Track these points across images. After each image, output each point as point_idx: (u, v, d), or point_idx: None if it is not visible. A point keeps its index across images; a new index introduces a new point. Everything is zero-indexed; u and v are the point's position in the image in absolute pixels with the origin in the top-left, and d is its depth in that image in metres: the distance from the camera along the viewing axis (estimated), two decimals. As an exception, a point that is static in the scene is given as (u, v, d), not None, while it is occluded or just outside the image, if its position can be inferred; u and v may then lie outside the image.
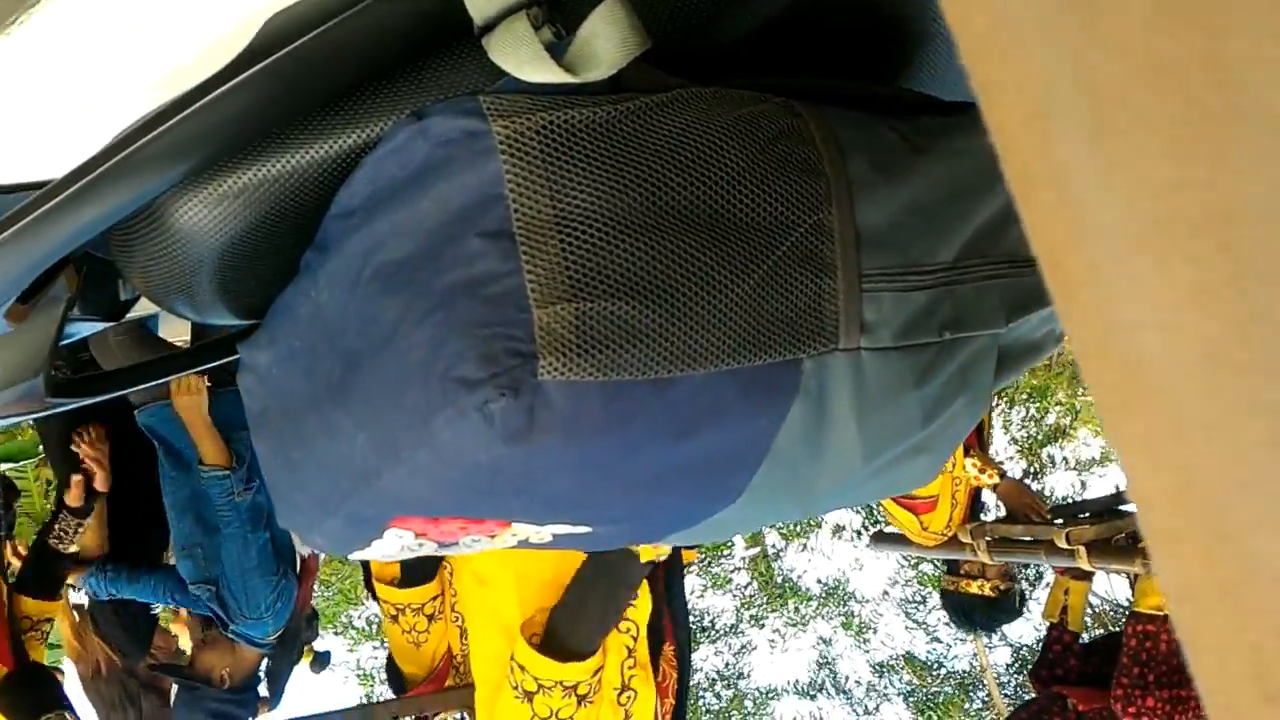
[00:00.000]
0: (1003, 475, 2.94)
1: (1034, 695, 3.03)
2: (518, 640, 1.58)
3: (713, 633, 7.67)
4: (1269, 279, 0.21)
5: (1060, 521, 2.75)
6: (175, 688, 2.68)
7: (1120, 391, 0.24)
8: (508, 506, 0.87)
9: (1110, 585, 6.03)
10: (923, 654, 7.50)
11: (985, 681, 7.16)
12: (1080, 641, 3.00)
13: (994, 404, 6.75)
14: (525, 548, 0.98)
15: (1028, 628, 6.36)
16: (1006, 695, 6.92)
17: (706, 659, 7.64)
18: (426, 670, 2.52)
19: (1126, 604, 3.01)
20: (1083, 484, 6.80)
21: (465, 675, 2.58)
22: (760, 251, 0.82)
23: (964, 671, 7.43)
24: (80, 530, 2.51)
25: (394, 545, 0.91)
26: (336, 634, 7.34)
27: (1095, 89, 0.23)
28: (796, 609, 7.65)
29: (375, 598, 2.59)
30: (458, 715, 2.53)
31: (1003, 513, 3.07)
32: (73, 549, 2.50)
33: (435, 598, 2.38)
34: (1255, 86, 0.21)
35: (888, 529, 3.37)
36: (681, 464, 0.85)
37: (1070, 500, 5.84)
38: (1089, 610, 6.22)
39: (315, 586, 7.06)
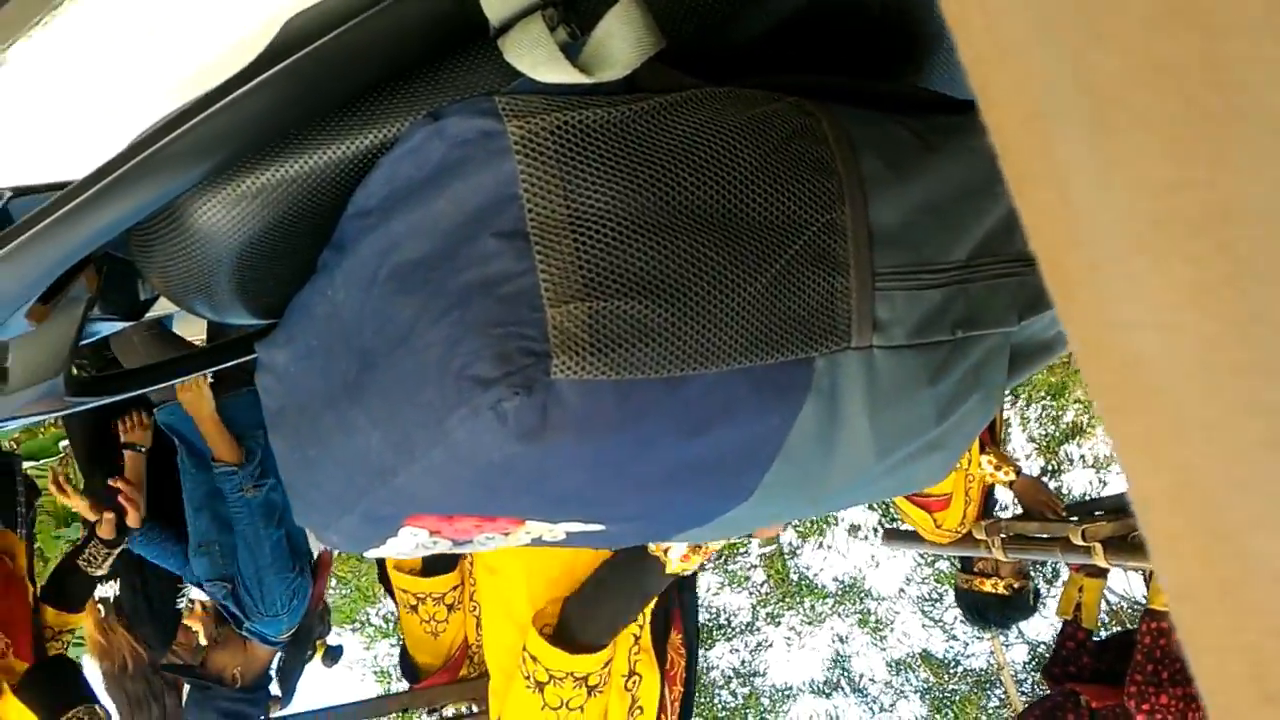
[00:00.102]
0: (1018, 472, 2.92)
1: (1047, 692, 3.02)
2: (530, 631, 1.59)
3: (729, 630, 7.67)
4: (1268, 279, 0.22)
5: (1076, 519, 2.74)
6: (187, 688, 2.69)
7: (1119, 391, 0.25)
8: (521, 504, 0.88)
9: (1129, 582, 5.99)
10: (940, 652, 7.48)
11: (1002, 679, 7.13)
12: (1094, 638, 2.99)
13: (1012, 401, 6.71)
14: (539, 545, 0.98)
15: (1045, 625, 6.33)
16: (1024, 693, 6.89)
17: (722, 656, 7.64)
18: (443, 660, 2.53)
19: (1144, 601, 2.99)
20: (1101, 481, 6.76)
21: (480, 665, 2.59)
22: (773, 250, 0.82)
23: (981, 669, 7.40)
24: (109, 557, 2.54)
25: (409, 543, 0.92)
26: (354, 631, 7.38)
27: (1094, 88, 0.23)
28: (812, 606, 7.64)
29: (390, 590, 2.61)
30: (467, 706, 2.54)
31: (1018, 510, 3.06)
32: (101, 573, 2.53)
33: (455, 587, 2.40)
34: (1255, 86, 0.21)
35: (902, 526, 3.36)
36: (694, 462, 0.85)
37: (1088, 498, 5.81)
38: (1107, 607, 6.19)
39: (333, 584, 7.10)
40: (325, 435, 0.88)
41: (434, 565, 2.21)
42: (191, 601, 2.90)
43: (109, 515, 2.49)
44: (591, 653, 1.58)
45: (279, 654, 2.81)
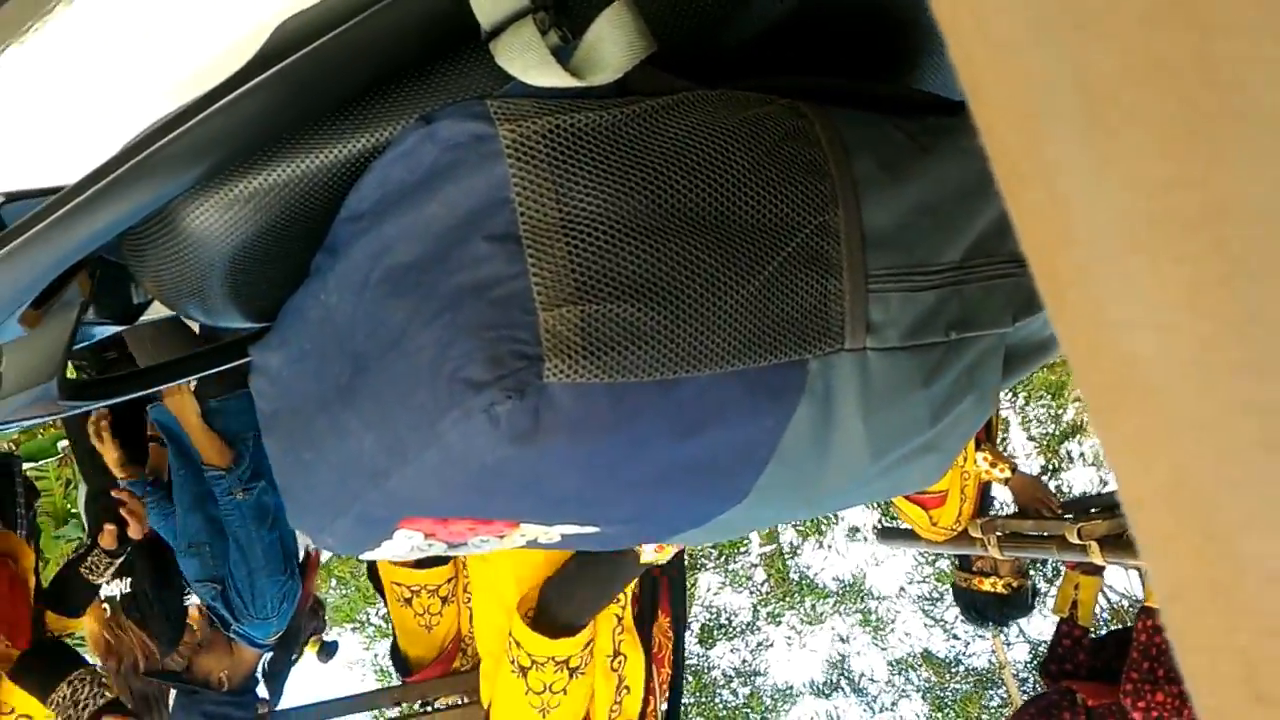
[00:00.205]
0: (1014, 469, 2.92)
1: (1044, 690, 3.02)
2: (514, 616, 1.62)
3: (729, 630, 7.67)
4: (1263, 279, 0.21)
5: (1071, 516, 2.74)
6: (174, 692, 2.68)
7: (1111, 392, 0.24)
8: (515, 507, 0.88)
9: (1129, 580, 6.00)
10: (941, 651, 7.48)
11: (1004, 678, 7.14)
12: (1090, 636, 2.99)
13: (1011, 400, 6.72)
14: (534, 548, 0.98)
15: (1046, 624, 6.33)
16: (1025, 692, 6.89)
17: (723, 656, 7.64)
18: (436, 653, 2.56)
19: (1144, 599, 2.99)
20: (1102, 480, 6.76)
21: (473, 657, 2.62)
22: (766, 253, 0.82)
23: (983, 669, 7.40)
24: (112, 566, 2.54)
25: (404, 545, 0.92)
26: (354, 630, 7.38)
27: (1087, 87, 0.22)
28: (813, 606, 7.64)
29: (379, 587, 2.63)
30: (459, 698, 2.56)
31: (1014, 508, 3.06)
32: (102, 581, 2.52)
33: (449, 580, 2.43)
34: (1251, 85, 0.21)
35: (899, 524, 3.37)
36: (688, 464, 0.85)
37: (1087, 496, 5.81)
38: (1107, 605, 6.19)
39: (333, 583, 7.10)
40: (319, 438, 0.87)
41: (428, 558, 2.23)
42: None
43: (110, 527, 2.49)
44: (571, 635, 1.60)
45: (265, 656, 2.80)
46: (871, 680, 7.58)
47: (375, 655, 7.35)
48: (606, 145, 0.80)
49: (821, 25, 0.98)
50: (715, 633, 7.64)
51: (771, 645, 7.71)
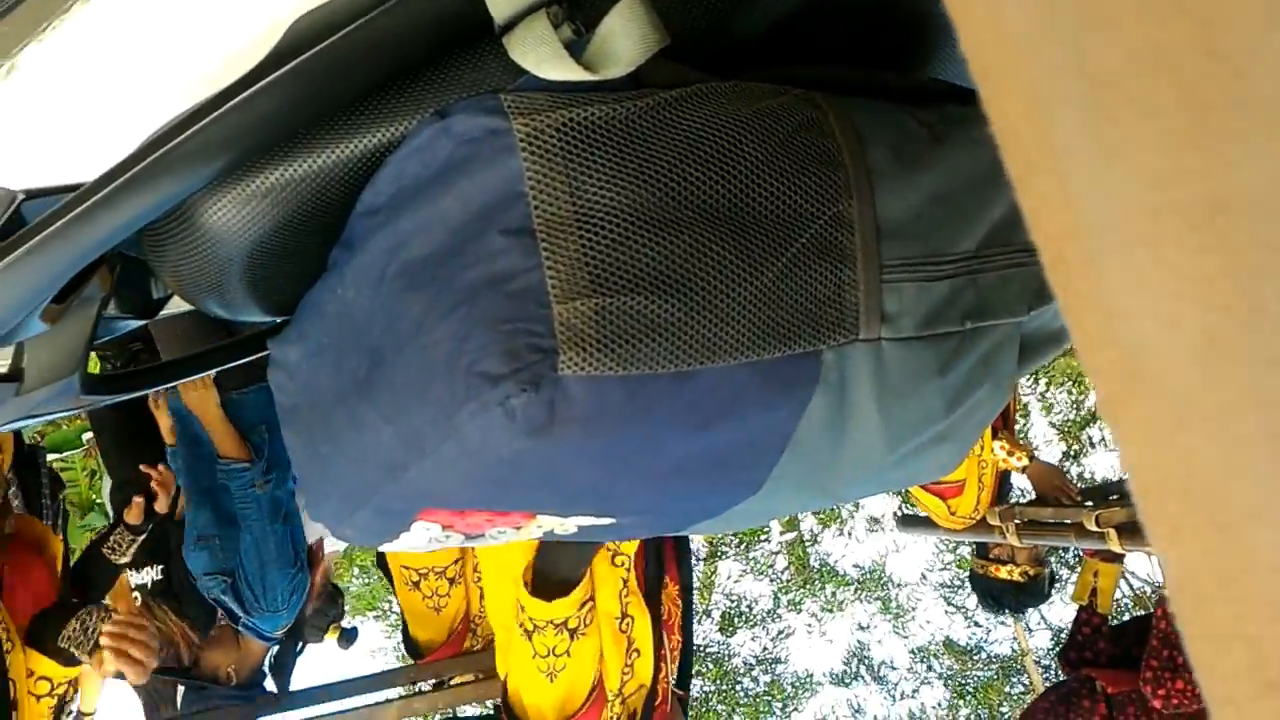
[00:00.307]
0: (1032, 457, 2.91)
1: (1063, 678, 3.01)
2: (518, 581, 1.65)
3: (750, 617, 7.67)
4: (1266, 270, 0.21)
5: (1090, 504, 2.72)
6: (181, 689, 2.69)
7: (1119, 381, 0.25)
8: (532, 499, 0.88)
9: (1152, 566, 5.96)
10: (962, 638, 7.46)
11: (1025, 665, 7.12)
12: (1110, 623, 2.98)
13: (1032, 386, 6.68)
14: (551, 539, 0.99)
15: (1068, 611, 6.30)
16: (1047, 679, 6.86)
17: (744, 644, 7.65)
18: (445, 635, 2.60)
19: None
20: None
21: (483, 637, 2.66)
22: (780, 244, 0.82)
23: (1004, 656, 7.37)
24: (134, 544, 2.54)
25: (422, 537, 0.92)
26: (376, 619, 7.43)
27: (1093, 78, 0.23)
28: (833, 593, 7.63)
29: (387, 572, 2.66)
30: (474, 675, 2.59)
31: (1033, 495, 3.04)
32: (124, 560, 2.53)
33: (456, 561, 2.47)
34: (1253, 77, 0.21)
35: (919, 512, 3.35)
36: (703, 455, 0.86)
37: (1108, 482, 5.77)
38: (1130, 591, 6.15)
39: (355, 572, 7.13)
40: (337, 431, 0.88)
41: None
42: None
43: (139, 500, 2.48)
44: (565, 595, 1.63)
45: (272, 649, 2.80)
46: (892, 667, 7.57)
47: (396, 644, 7.39)
48: (620, 138, 0.80)
49: (833, 16, 0.98)
50: (736, 620, 7.65)
51: (793, 633, 7.71)
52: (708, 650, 7.49)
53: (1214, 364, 0.22)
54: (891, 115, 0.94)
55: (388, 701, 2.65)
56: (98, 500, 4.19)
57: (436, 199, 0.80)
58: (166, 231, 0.86)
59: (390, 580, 2.75)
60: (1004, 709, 7.24)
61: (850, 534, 7.56)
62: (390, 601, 7.45)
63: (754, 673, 7.63)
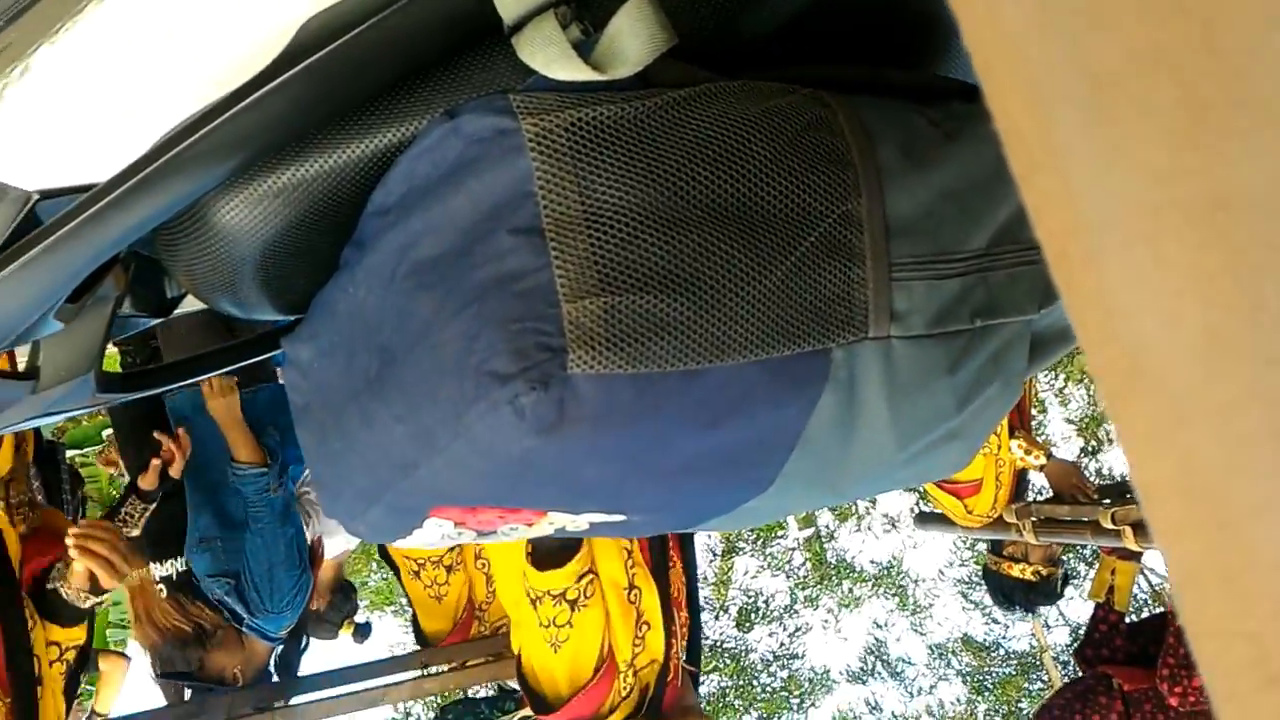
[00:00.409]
0: (1049, 456, 2.89)
1: (1080, 675, 3.00)
2: (522, 554, 1.69)
3: (767, 613, 7.68)
4: (1267, 267, 0.21)
5: (1107, 501, 2.71)
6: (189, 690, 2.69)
7: (1121, 378, 0.24)
8: (542, 496, 0.88)
9: (1169, 564, 5.91)
10: (980, 635, 7.45)
11: (1044, 662, 7.10)
12: (1126, 621, 2.96)
13: (1050, 382, 6.65)
14: (562, 536, 0.99)
15: (1086, 608, 6.28)
16: (1066, 676, 6.85)
17: (760, 640, 7.66)
18: (451, 623, 2.65)
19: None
20: (1141, 463, 6.68)
21: (490, 624, 2.70)
22: (789, 243, 0.82)
23: (1023, 652, 7.36)
24: (145, 513, 2.54)
25: (434, 534, 0.93)
26: (394, 614, 7.47)
27: (1094, 75, 0.23)
28: (850, 590, 7.63)
29: (391, 563, 2.71)
30: (486, 658, 2.63)
31: (1050, 492, 3.03)
32: (135, 533, 2.53)
33: (452, 549, 2.48)
34: (1254, 76, 0.21)
35: (938, 511, 3.35)
36: (712, 453, 0.86)
37: (1124, 479, 5.74)
38: (1149, 589, 6.12)
39: (372, 566, 7.15)
40: (349, 430, 0.89)
41: None
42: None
43: (155, 462, 2.48)
44: (560, 567, 1.67)
45: (276, 649, 2.80)
46: (909, 664, 7.57)
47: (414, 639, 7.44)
48: (628, 138, 0.81)
49: (841, 15, 0.98)
50: (753, 616, 7.66)
51: (810, 629, 7.72)
52: (724, 645, 7.50)
53: (1215, 361, 0.22)
54: (900, 113, 0.93)
55: (399, 683, 2.67)
56: (117, 495, 4.23)
57: (446, 199, 0.81)
58: (180, 231, 0.87)
59: (396, 572, 2.79)
60: (1022, 705, 7.23)
61: (868, 529, 7.56)
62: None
63: (771, 668, 7.64)
